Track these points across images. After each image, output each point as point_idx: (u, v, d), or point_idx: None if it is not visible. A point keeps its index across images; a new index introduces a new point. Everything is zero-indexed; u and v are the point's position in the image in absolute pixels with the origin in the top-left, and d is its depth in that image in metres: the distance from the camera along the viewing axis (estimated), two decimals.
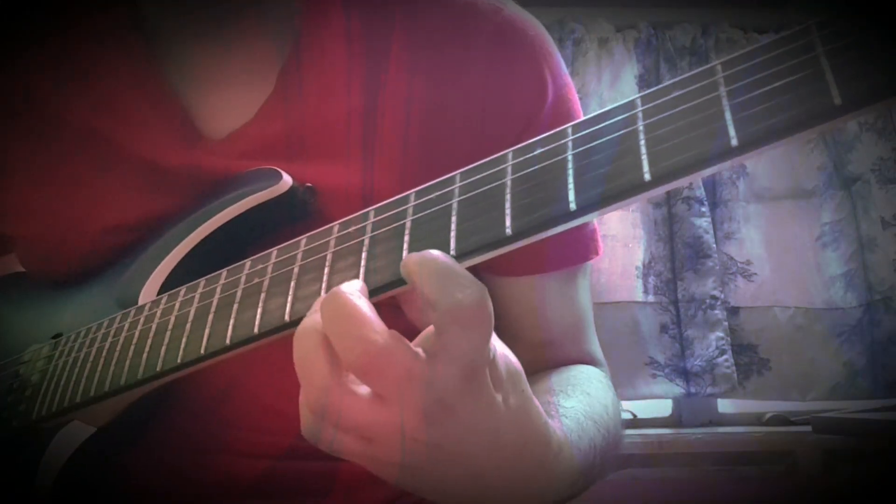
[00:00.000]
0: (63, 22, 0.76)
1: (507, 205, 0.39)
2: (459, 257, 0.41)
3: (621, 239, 2.11)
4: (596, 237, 0.74)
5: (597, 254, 0.74)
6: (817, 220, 2.16)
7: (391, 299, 0.46)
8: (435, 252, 0.39)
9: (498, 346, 0.41)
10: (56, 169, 0.72)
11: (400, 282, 0.42)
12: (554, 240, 0.70)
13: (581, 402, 0.59)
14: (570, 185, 0.36)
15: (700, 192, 2.10)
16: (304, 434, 0.41)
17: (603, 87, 2.13)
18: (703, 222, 2.08)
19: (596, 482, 0.60)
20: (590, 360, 0.74)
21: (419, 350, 0.39)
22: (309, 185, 0.64)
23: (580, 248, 0.73)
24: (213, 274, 0.54)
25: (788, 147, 2.16)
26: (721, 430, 2.08)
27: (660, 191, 0.34)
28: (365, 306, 0.39)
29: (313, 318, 0.40)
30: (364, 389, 0.39)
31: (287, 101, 0.68)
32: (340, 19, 0.70)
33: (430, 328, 0.40)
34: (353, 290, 0.39)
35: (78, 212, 0.71)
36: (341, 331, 0.38)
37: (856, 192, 2.14)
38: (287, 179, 0.62)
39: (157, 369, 0.53)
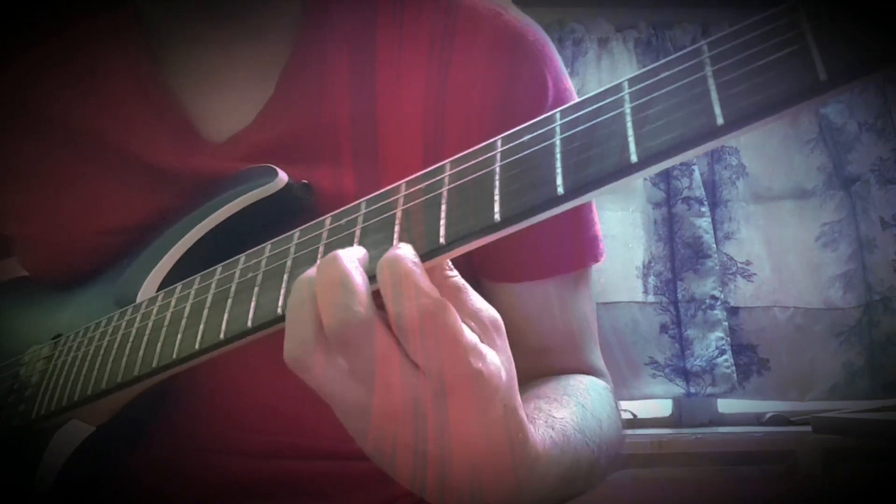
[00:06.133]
0: (65, 23, 0.76)
1: (496, 191, 0.39)
2: (449, 245, 0.40)
3: (621, 239, 2.11)
4: (597, 243, 0.73)
5: (596, 260, 0.73)
6: (817, 221, 2.16)
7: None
8: (399, 254, 0.38)
9: (492, 359, 0.41)
10: (56, 170, 0.72)
11: None
12: (553, 245, 0.70)
13: (573, 413, 0.58)
14: (558, 170, 0.36)
15: (700, 192, 2.10)
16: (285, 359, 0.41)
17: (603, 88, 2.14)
18: (703, 222, 2.08)
19: (583, 493, 0.59)
20: (590, 370, 0.72)
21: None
22: (305, 181, 0.63)
23: (579, 253, 0.72)
24: (208, 270, 0.54)
25: (788, 147, 2.17)
26: (721, 430, 2.09)
27: (648, 172, 0.33)
28: (358, 277, 0.38)
29: (312, 271, 0.40)
30: (341, 359, 0.39)
31: (288, 104, 0.68)
32: (341, 22, 0.70)
33: None
34: (351, 258, 0.39)
35: (77, 213, 0.71)
36: (327, 295, 0.38)
37: (855, 193, 2.14)
38: (283, 176, 0.62)
39: (154, 366, 0.52)
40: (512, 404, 0.42)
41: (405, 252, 0.38)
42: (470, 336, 0.39)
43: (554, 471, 0.49)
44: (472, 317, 0.42)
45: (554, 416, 0.55)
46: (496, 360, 0.41)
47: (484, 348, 0.41)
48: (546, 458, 0.47)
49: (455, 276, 0.44)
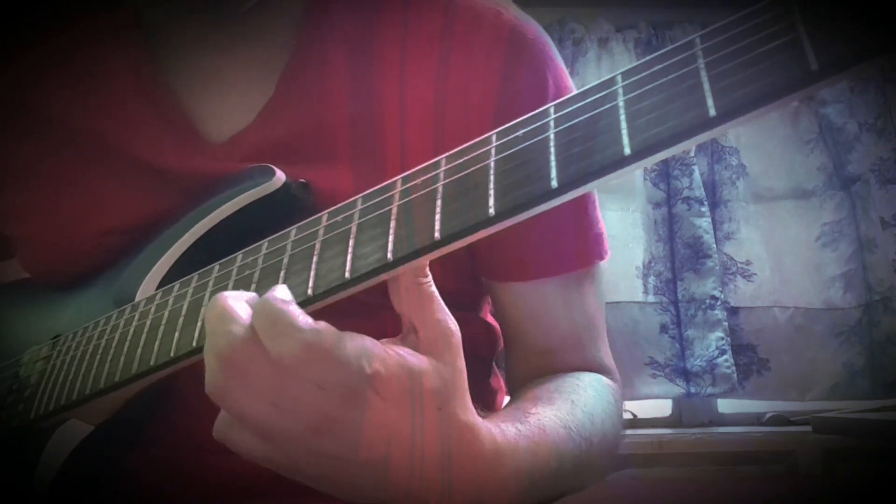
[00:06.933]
0: (65, 23, 0.76)
1: (491, 185, 0.39)
2: (444, 240, 0.40)
3: (621, 239, 2.11)
4: (601, 241, 0.73)
5: (601, 258, 0.73)
6: (817, 221, 2.15)
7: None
8: (268, 295, 0.40)
9: (415, 364, 0.42)
10: (56, 170, 0.73)
11: (386, 267, 0.42)
12: (556, 243, 0.70)
13: (557, 409, 0.59)
14: (552, 163, 0.36)
15: (700, 192, 2.10)
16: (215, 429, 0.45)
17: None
18: (703, 222, 2.08)
19: (576, 490, 0.60)
20: (597, 367, 0.72)
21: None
22: (303, 180, 0.64)
23: (583, 251, 0.72)
24: (205, 268, 0.54)
25: (788, 147, 2.17)
26: (721, 430, 2.09)
27: (642, 165, 0.34)
28: (239, 308, 0.41)
29: None
30: (242, 383, 0.42)
31: (288, 105, 0.68)
32: (341, 22, 0.70)
33: None
34: (234, 295, 0.42)
35: (77, 213, 0.71)
36: (211, 325, 0.41)
37: (855, 193, 2.14)
38: (280, 176, 0.62)
39: (151, 364, 0.53)
40: (449, 408, 0.43)
41: (278, 292, 0.41)
42: (354, 348, 0.40)
43: (526, 462, 0.50)
44: (424, 325, 0.44)
45: (528, 412, 0.56)
46: (422, 366, 0.43)
47: (406, 353, 0.42)
48: (510, 450, 0.48)
49: (427, 282, 0.45)
